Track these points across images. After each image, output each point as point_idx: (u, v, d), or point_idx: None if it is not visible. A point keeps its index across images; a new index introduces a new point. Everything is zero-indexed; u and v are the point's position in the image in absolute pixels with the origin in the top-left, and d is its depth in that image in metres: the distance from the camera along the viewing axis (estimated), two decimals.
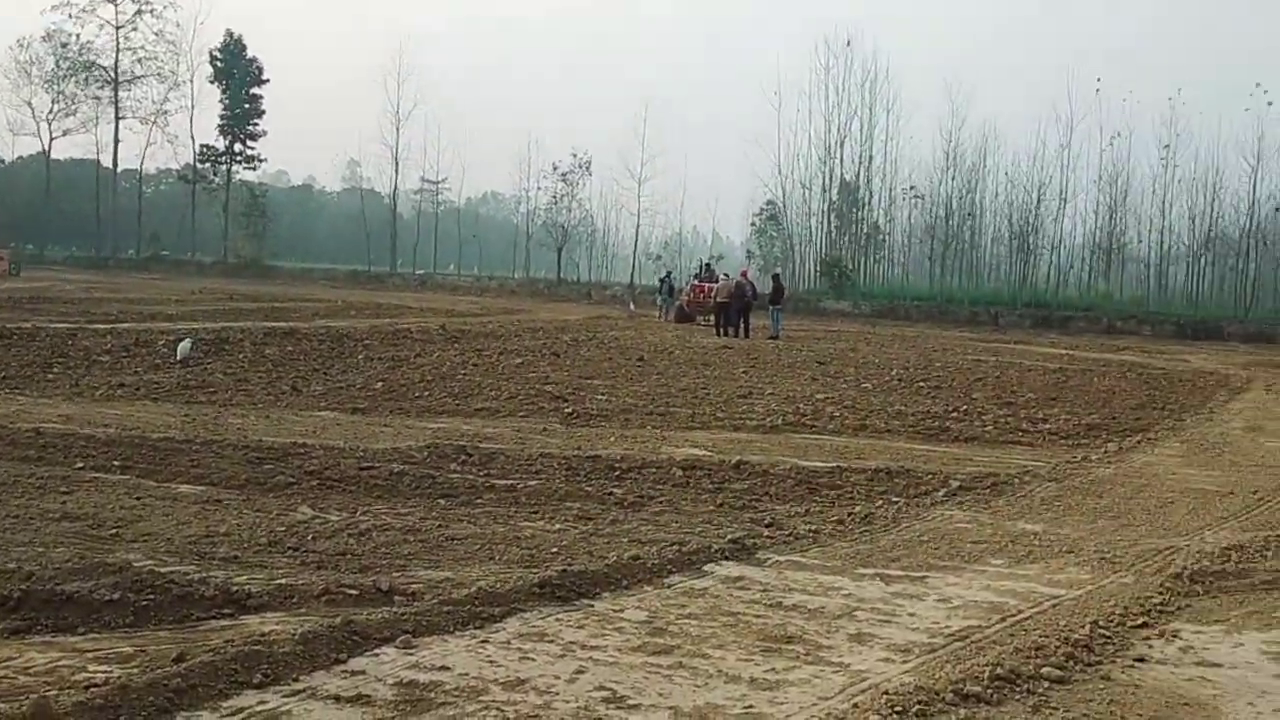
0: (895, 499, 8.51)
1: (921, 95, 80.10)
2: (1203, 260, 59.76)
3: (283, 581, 5.50)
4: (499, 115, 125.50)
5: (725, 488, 8.62)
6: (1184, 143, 57.02)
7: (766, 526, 7.40)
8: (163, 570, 5.51)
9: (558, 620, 5.27)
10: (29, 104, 70.59)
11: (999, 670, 4.70)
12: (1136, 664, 5.03)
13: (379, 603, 5.31)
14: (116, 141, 71.78)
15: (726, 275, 34.11)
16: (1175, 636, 5.44)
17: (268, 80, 70.91)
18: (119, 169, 74.86)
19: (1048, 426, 13.39)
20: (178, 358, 15.38)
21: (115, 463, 8.30)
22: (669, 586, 5.94)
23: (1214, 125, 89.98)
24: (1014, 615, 5.65)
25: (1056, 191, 59.04)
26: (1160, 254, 59.88)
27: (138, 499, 7.24)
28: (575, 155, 65.29)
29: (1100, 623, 5.48)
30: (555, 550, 6.46)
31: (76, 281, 42.12)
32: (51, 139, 72.42)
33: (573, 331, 26.81)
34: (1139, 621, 5.59)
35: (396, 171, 71.97)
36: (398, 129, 69.60)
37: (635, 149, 63.90)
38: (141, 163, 74.77)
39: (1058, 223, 60.02)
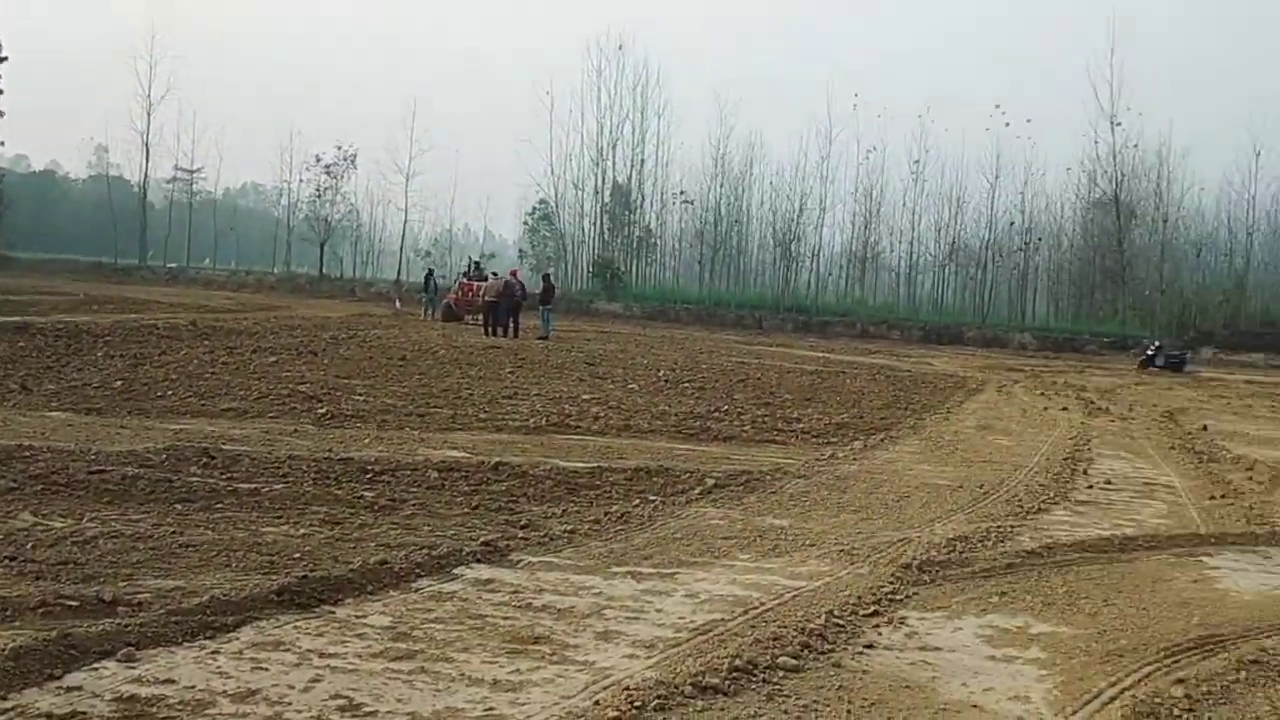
0: (652, 498, 8.64)
1: (692, 103, 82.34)
2: (947, 270, 63.76)
3: None
4: (260, 104, 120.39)
5: (482, 489, 8.52)
6: (932, 158, 60.76)
7: (522, 528, 7.36)
8: None
9: (296, 628, 5.06)
10: None
11: (737, 662, 4.82)
12: (866, 650, 5.27)
13: (101, 614, 4.96)
14: None
15: (496, 274, 33.96)
16: (902, 623, 5.74)
17: (5, 58, 65.67)
18: None
19: (801, 426, 13.93)
20: None
21: None
22: (416, 591, 5.81)
23: (959, 143, 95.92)
24: (756, 608, 5.82)
25: (818, 201, 61.70)
26: (910, 263, 63.54)
27: None
28: (340, 148, 63.53)
29: (835, 612, 5.72)
30: (298, 556, 6.21)
31: None
32: None
33: (333, 329, 26.08)
34: (870, 610, 5.86)
35: (147, 159, 68.21)
36: (149, 114, 65.96)
37: (404, 143, 62.68)
38: None
39: (818, 231, 62.72)
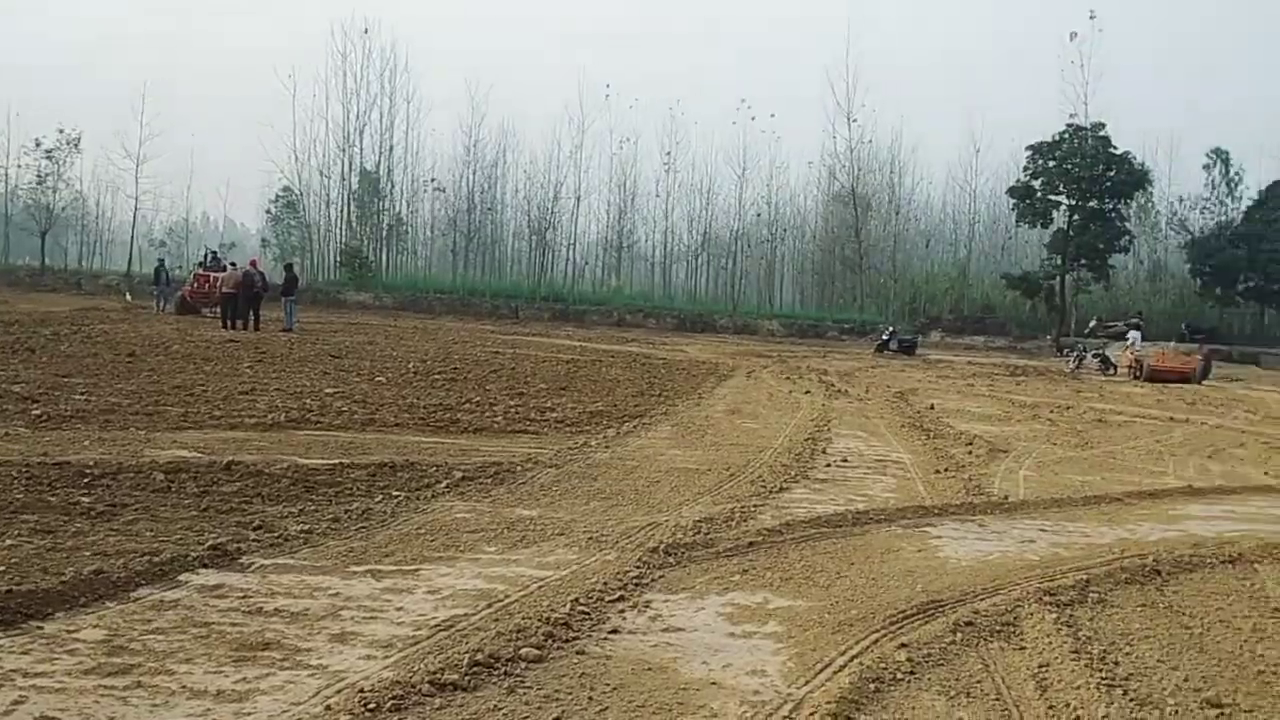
0: (396, 493, 8.38)
1: (443, 90, 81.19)
2: (699, 259, 65.60)
3: None
4: None
5: (213, 491, 8.03)
6: (683, 150, 62.37)
7: (254, 530, 6.97)
8: None
9: None
10: None
11: (478, 656, 4.72)
12: (610, 636, 5.27)
13: None
14: None
15: (234, 264, 32.41)
16: (647, 607, 5.78)
17: None
18: None
19: (555, 415, 13.91)
20: None
21: None
22: (135, 601, 5.40)
23: (708, 136, 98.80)
24: (500, 601, 5.72)
25: (572, 190, 62.21)
26: (664, 253, 64.95)
27: None
28: (62, 131, 59.14)
29: (580, 600, 5.70)
30: (2, 569, 5.65)
31: None
32: None
33: (55, 325, 24.20)
34: (616, 596, 5.88)
35: None
36: None
37: (133, 128, 59.00)
38: None
39: (574, 220, 63.26)
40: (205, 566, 6.05)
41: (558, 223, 62.55)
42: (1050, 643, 5.33)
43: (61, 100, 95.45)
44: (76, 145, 59.55)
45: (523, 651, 4.87)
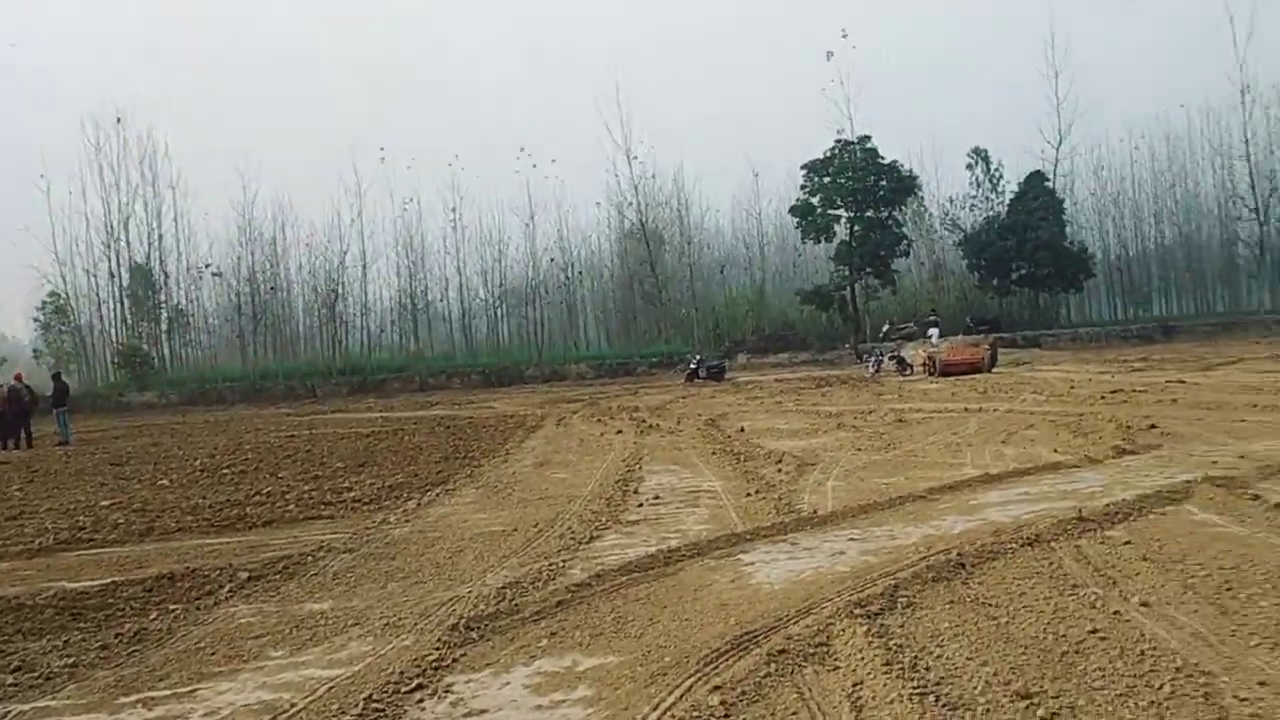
0: (173, 606, 7.69)
1: (211, 173, 78.27)
2: (498, 311, 65.16)
3: None
4: None
5: None
6: (468, 204, 61.92)
7: (13, 672, 6.24)
8: None
9: None
10: None
11: None
12: None
13: None
14: None
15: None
16: (448, 692, 5.39)
17: None
18: None
19: (353, 494, 13.27)
20: None
21: None
22: None
23: (492, 188, 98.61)
24: (286, 712, 5.23)
25: (358, 257, 60.89)
26: (462, 309, 64.19)
27: None
28: None
29: (374, 696, 5.28)
30: None
31: None
32: None
33: None
34: (414, 684, 5.47)
35: None
36: None
37: None
38: None
39: (364, 288, 61.87)
40: None
41: (347, 292, 61.11)
42: (862, 658, 5.22)
43: None
44: None
45: None
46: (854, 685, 4.87)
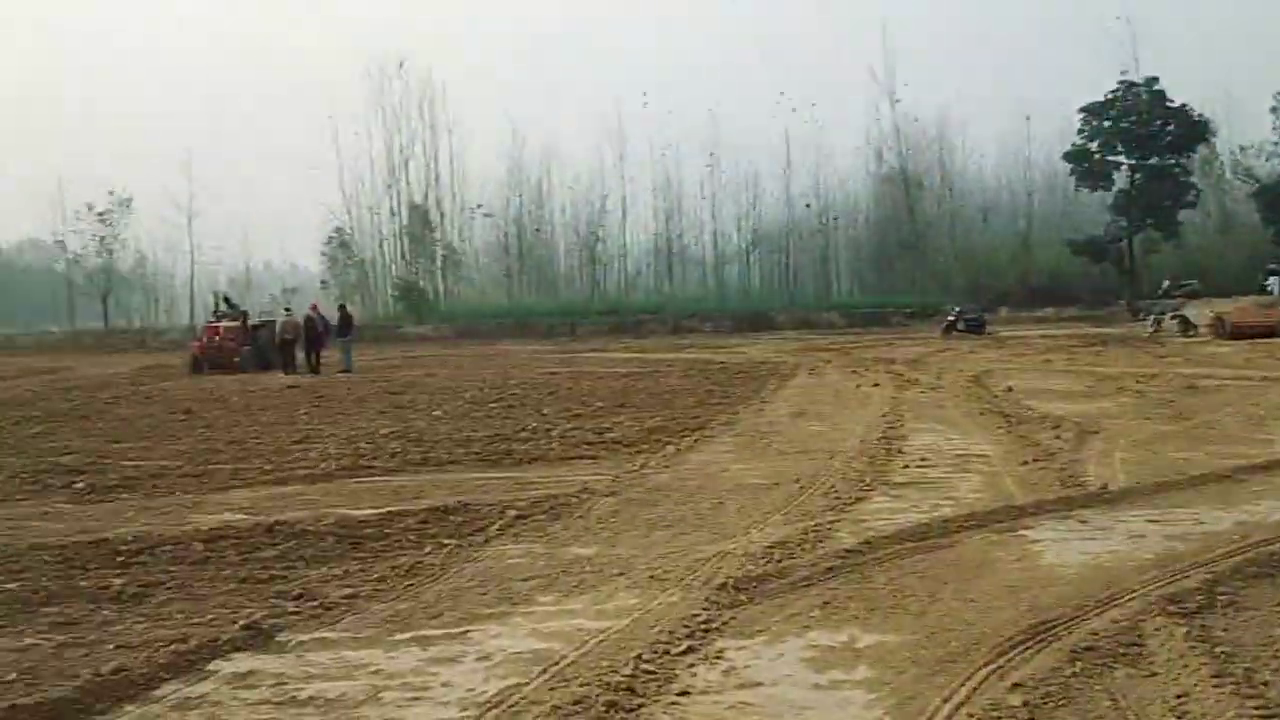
0: (447, 541, 7.85)
1: (483, 117, 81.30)
2: (752, 257, 64.78)
3: None
4: (25, 155, 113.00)
5: (253, 557, 7.57)
6: (726, 151, 61.51)
7: (294, 599, 6.48)
8: None
9: None
10: None
11: None
12: (680, 700, 4.68)
13: None
14: None
15: (289, 310, 32.22)
16: (719, 658, 5.17)
17: None
18: None
19: (612, 435, 13.37)
20: None
21: None
22: (158, 701, 4.91)
23: (749, 133, 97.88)
24: (556, 664, 5.14)
25: (618, 202, 61.81)
26: (716, 254, 64.20)
27: None
28: (112, 193, 60.08)
29: (644, 656, 5.11)
30: (13, 678, 5.20)
31: None
32: None
33: (115, 388, 24.15)
34: (684, 647, 5.28)
35: None
36: None
37: (181, 183, 59.91)
38: None
39: (622, 232, 62.84)
40: (238, 650, 5.55)
41: (606, 235, 62.22)
42: (1185, 665, 4.65)
43: (110, 162, 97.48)
44: (128, 206, 60.51)
45: None
46: (1178, 697, 4.32)
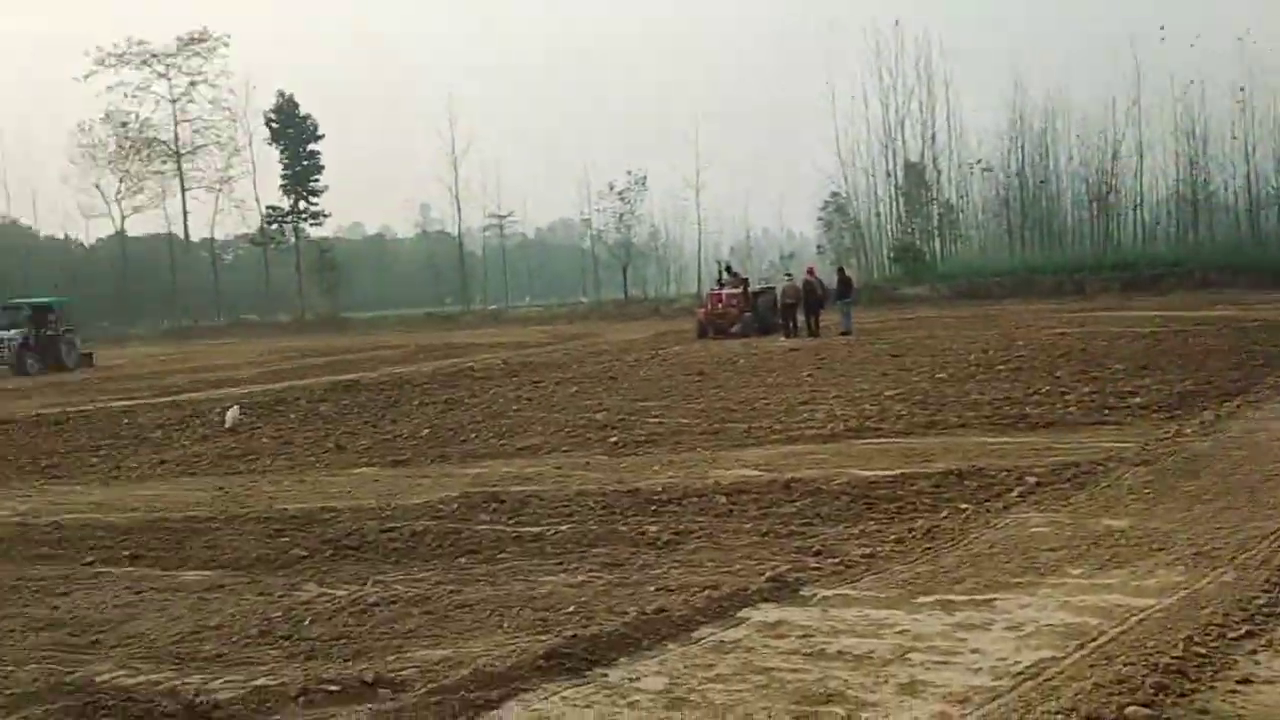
0: (964, 505, 7.69)
1: (977, 73, 78.36)
2: None
3: (261, 682, 4.92)
4: (558, 141, 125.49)
5: (772, 512, 7.87)
6: (1259, 84, 54.55)
7: (814, 555, 6.66)
8: (130, 683, 4.98)
9: (563, 699, 4.60)
10: (97, 186, 72.40)
11: (1076, 718, 3.93)
12: (1240, 688, 4.21)
13: (363, 698, 4.70)
14: (185, 213, 73.58)
15: (790, 275, 33.08)
16: None
17: (323, 136, 71.88)
18: (192, 239, 76.67)
19: (1137, 400, 12.39)
20: (226, 425, 15.11)
21: (125, 553, 7.85)
22: (696, 642, 5.23)
23: None
24: (1094, 639, 4.83)
25: (1133, 147, 57.06)
26: (1250, 199, 57.31)
27: (136, 594, 6.75)
28: (630, 173, 65.39)
29: (1195, 638, 4.66)
30: (572, 610, 5.79)
31: (156, 355, 42.79)
32: (124, 218, 74.35)
33: (636, 352, 26.20)
34: (1242, 631, 4.75)
35: (459, 210, 72.45)
36: (455, 168, 70.07)
37: (689, 158, 63.76)
38: (212, 230, 76.45)
39: (1137, 179, 57.97)
40: (765, 600, 5.79)
41: (1119, 184, 57.64)
42: None
43: (626, 144, 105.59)
44: (643, 184, 65.49)
45: (1129, 711, 3.98)
46: None
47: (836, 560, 6.50)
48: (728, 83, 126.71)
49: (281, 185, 71.37)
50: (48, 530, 8.76)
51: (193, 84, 71.88)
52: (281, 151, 70.75)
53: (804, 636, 5.22)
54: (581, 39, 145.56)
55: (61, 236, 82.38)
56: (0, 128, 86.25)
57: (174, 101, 71.97)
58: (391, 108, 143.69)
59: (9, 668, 5.36)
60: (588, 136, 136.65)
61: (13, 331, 34.04)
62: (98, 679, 5.04)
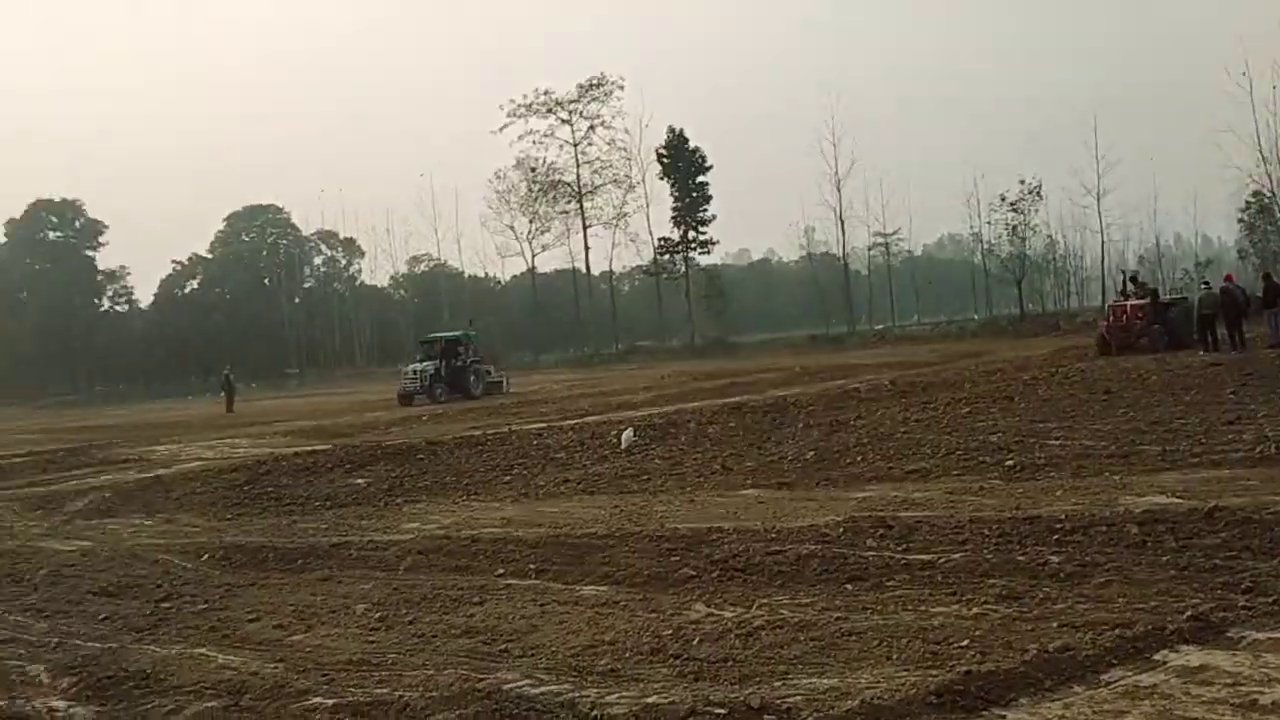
0: None
1: None
2: None
3: (652, 700, 5.05)
4: (940, 155, 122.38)
5: (1192, 544, 7.10)
6: None
7: (1244, 593, 5.93)
8: (533, 693, 5.27)
9: None
10: (511, 228, 79.22)
11: None
12: None
13: None
14: (586, 249, 78.70)
15: (1207, 284, 30.11)
16: None
17: (710, 167, 74.38)
18: (593, 273, 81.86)
19: None
20: (622, 447, 15.83)
21: (531, 567, 8.36)
22: (1105, 686, 4.82)
23: None
24: None
25: None
26: None
27: (540, 606, 7.16)
28: (1023, 181, 62.52)
29: None
30: (965, 643, 5.50)
31: (563, 381, 45.87)
32: (533, 255, 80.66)
33: (1033, 370, 24.82)
34: None
35: (842, 231, 72.58)
36: (838, 189, 70.18)
37: (1088, 162, 59.96)
38: (610, 263, 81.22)
39: None
40: (1185, 642, 5.24)
41: None
42: None
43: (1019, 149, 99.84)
44: (1038, 192, 62.36)
45: None
46: None
47: (1270, 600, 5.76)
48: (1126, 69, 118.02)
49: (672, 217, 74.69)
50: (465, 543, 9.51)
51: (591, 127, 77.02)
52: (672, 185, 73.98)
53: (1232, 685, 4.67)
54: (965, 39, 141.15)
55: (481, 275, 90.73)
56: (432, 184, 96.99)
57: (575, 145, 77.36)
58: (773, 135, 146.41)
59: (429, 671, 5.84)
60: (976, 150, 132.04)
61: (426, 364, 37.83)
62: (505, 687, 5.37)
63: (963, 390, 20.82)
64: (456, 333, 42.63)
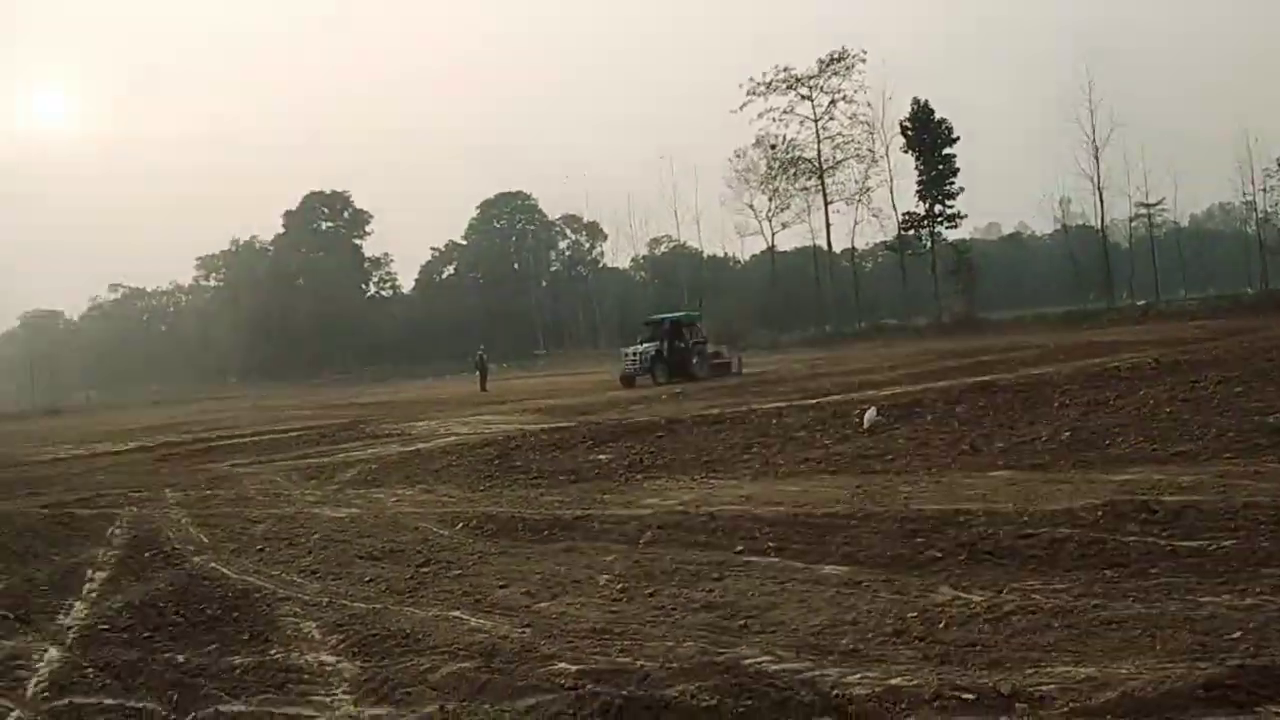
0: None
1: None
2: None
3: (895, 681, 4.93)
4: (1208, 116, 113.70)
5: None
6: None
7: None
8: (772, 669, 5.23)
9: None
10: (750, 206, 79.25)
11: None
12: None
13: (997, 710, 4.51)
14: (828, 225, 77.71)
15: None
16: None
17: (958, 139, 71.97)
18: (834, 250, 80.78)
19: None
20: (864, 426, 15.53)
21: (770, 544, 8.31)
22: None
23: None
24: None
25: None
26: None
27: (780, 584, 7.11)
28: None
29: None
30: (1237, 636, 5.08)
31: (803, 360, 45.52)
32: (773, 234, 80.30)
33: None
34: None
35: (1100, 202, 68.66)
36: (1096, 158, 66.49)
37: None
38: (852, 240, 79.97)
39: None
40: None
41: None
42: None
43: None
44: None
45: None
46: None
47: None
48: None
49: (917, 191, 72.78)
50: (704, 520, 9.55)
51: (833, 102, 75.94)
52: (917, 158, 72.01)
53: None
54: None
55: (721, 255, 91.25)
56: (672, 166, 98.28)
57: (816, 120, 76.47)
58: (1025, 102, 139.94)
59: (670, 643, 5.90)
60: (1247, 114, 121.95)
61: (647, 345, 38.10)
62: (744, 661, 5.36)
63: (1235, 369, 19.27)
64: (679, 313, 42.87)
